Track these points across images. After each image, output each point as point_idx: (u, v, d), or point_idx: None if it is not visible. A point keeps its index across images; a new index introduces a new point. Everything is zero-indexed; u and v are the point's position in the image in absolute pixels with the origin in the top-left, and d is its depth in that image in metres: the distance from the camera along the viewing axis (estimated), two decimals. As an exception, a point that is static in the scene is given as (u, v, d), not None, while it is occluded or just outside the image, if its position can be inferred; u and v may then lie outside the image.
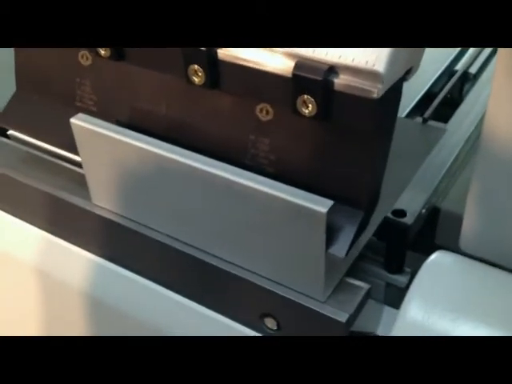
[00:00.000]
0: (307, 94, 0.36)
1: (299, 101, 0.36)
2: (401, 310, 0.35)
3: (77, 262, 0.51)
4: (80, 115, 0.44)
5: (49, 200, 0.50)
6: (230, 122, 0.42)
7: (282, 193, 0.37)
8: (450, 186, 0.52)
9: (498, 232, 0.37)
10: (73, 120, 0.44)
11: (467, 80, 0.65)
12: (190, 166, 0.40)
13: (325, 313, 0.40)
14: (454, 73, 0.65)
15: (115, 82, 0.46)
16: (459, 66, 0.66)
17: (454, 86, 0.62)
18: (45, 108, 0.51)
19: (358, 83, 0.34)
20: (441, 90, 0.61)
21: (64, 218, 0.51)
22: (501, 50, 0.33)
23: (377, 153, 0.38)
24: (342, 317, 0.39)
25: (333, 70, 0.35)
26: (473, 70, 0.65)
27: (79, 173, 0.50)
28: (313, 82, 0.35)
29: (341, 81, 0.35)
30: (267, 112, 0.40)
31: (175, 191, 0.42)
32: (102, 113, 0.47)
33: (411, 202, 0.48)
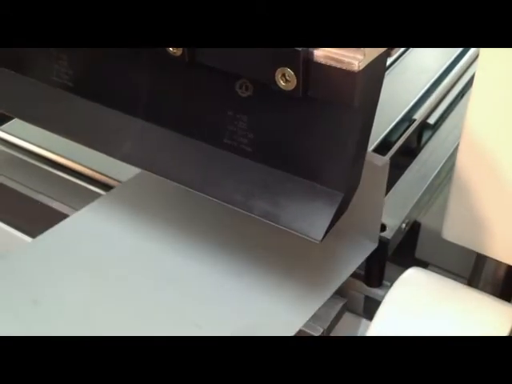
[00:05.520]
0: (287, 66, 0.34)
1: (278, 73, 0.35)
2: (372, 324, 0.36)
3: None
4: None
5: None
6: (209, 98, 0.41)
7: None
8: (431, 201, 0.53)
9: (476, 223, 0.38)
10: None
11: (425, 130, 0.61)
12: None
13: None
14: (412, 122, 0.60)
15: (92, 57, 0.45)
16: (417, 116, 0.61)
17: (411, 135, 0.58)
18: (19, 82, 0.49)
19: (339, 55, 0.33)
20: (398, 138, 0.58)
21: None
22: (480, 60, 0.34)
23: (358, 130, 0.36)
24: (317, 331, 0.40)
25: None
26: (431, 120, 0.61)
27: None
28: (292, 52, 0.34)
29: (321, 52, 0.33)
30: (247, 88, 0.38)
31: None
32: (78, 88, 0.46)
33: (392, 216, 0.48)
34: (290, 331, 0.39)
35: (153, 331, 0.41)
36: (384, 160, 0.43)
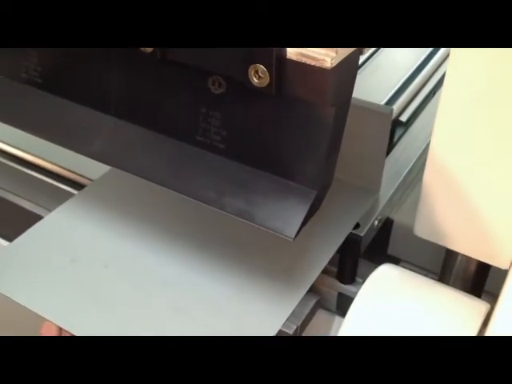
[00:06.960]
0: (259, 63, 0.34)
1: (251, 70, 0.35)
2: (345, 321, 0.36)
3: None
4: None
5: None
6: (182, 95, 0.40)
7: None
8: (404, 198, 0.53)
9: (447, 219, 0.39)
10: None
11: (398, 127, 0.60)
12: None
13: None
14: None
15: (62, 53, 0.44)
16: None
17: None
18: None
19: (312, 52, 0.33)
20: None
21: None
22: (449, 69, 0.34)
23: (331, 127, 0.36)
24: (290, 328, 0.40)
25: None
26: (404, 117, 0.61)
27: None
28: (265, 49, 0.34)
29: (294, 49, 0.33)
30: (220, 84, 0.38)
31: None
32: (48, 85, 0.46)
33: (365, 212, 0.48)
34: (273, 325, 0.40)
35: (131, 331, 0.41)
36: (389, 108, 0.48)
